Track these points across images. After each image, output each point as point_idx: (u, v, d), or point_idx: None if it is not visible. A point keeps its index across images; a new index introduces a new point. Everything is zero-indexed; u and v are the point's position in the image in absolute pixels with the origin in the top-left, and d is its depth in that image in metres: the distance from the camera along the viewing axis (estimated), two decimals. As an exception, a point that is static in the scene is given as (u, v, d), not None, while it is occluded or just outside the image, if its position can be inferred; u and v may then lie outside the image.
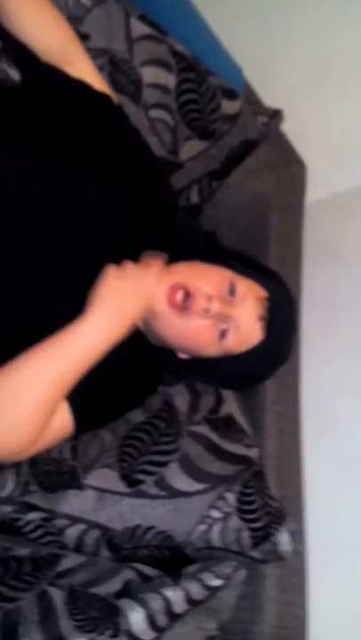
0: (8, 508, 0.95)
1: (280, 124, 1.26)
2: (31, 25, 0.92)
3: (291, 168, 1.47)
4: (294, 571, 1.05)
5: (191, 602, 0.83)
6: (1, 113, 0.91)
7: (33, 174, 0.90)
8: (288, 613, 1.02)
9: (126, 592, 0.82)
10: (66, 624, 0.77)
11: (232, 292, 0.92)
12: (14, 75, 0.86)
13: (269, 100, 1.39)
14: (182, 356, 0.99)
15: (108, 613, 0.79)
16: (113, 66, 1.05)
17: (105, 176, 0.96)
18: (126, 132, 1.01)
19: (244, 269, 0.99)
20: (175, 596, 0.81)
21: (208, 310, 0.89)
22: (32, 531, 0.94)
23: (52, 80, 0.93)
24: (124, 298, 0.88)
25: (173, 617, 0.81)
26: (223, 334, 0.92)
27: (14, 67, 0.88)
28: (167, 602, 0.81)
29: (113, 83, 1.05)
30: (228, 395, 1.09)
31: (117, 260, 0.92)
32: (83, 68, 0.98)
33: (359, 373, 1.32)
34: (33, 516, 0.94)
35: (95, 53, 1.03)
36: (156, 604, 0.80)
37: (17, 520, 0.94)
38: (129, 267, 0.90)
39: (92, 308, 0.87)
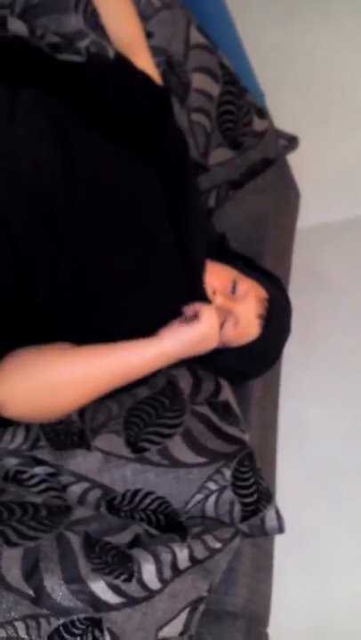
0: (14, 461, 0.97)
1: (295, 150, 1.38)
2: (113, 14, 1.00)
3: (288, 192, 1.60)
4: (265, 552, 1.14)
5: (193, 560, 0.89)
6: (75, 86, 0.96)
7: (98, 150, 0.94)
8: (257, 590, 1.09)
9: (137, 544, 0.88)
10: (84, 565, 0.82)
11: (235, 289, 1.02)
12: (110, 52, 0.92)
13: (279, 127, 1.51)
14: None
15: (122, 560, 0.84)
16: (168, 65, 1.13)
17: (151, 163, 1.03)
18: (177, 127, 1.09)
19: (249, 271, 1.10)
20: (181, 552, 0.87)
21: (212, 302, 0.98)
22: (35, 485, 0.97)
23: (123, 66, 1.00)
24: (203, 346, 0.97)
25: (176, 572, 0.87)
26: (221, 326, 1.01)
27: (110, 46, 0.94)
28: (174, 556, 0.87)
29: (165, 81, 1.13)
30: (225, 383, 1.17)
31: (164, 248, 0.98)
32: (145, 62, 1.05)
33: (327, 384, 1.45)
34: (38, 470, 0.97)
35: (155, 51, 1.10)
36: (165, 556, 0.86)
37: (21, 473, 0.97)
38: (211, 312, 0.96)
39: (167, 338, 0.95)
